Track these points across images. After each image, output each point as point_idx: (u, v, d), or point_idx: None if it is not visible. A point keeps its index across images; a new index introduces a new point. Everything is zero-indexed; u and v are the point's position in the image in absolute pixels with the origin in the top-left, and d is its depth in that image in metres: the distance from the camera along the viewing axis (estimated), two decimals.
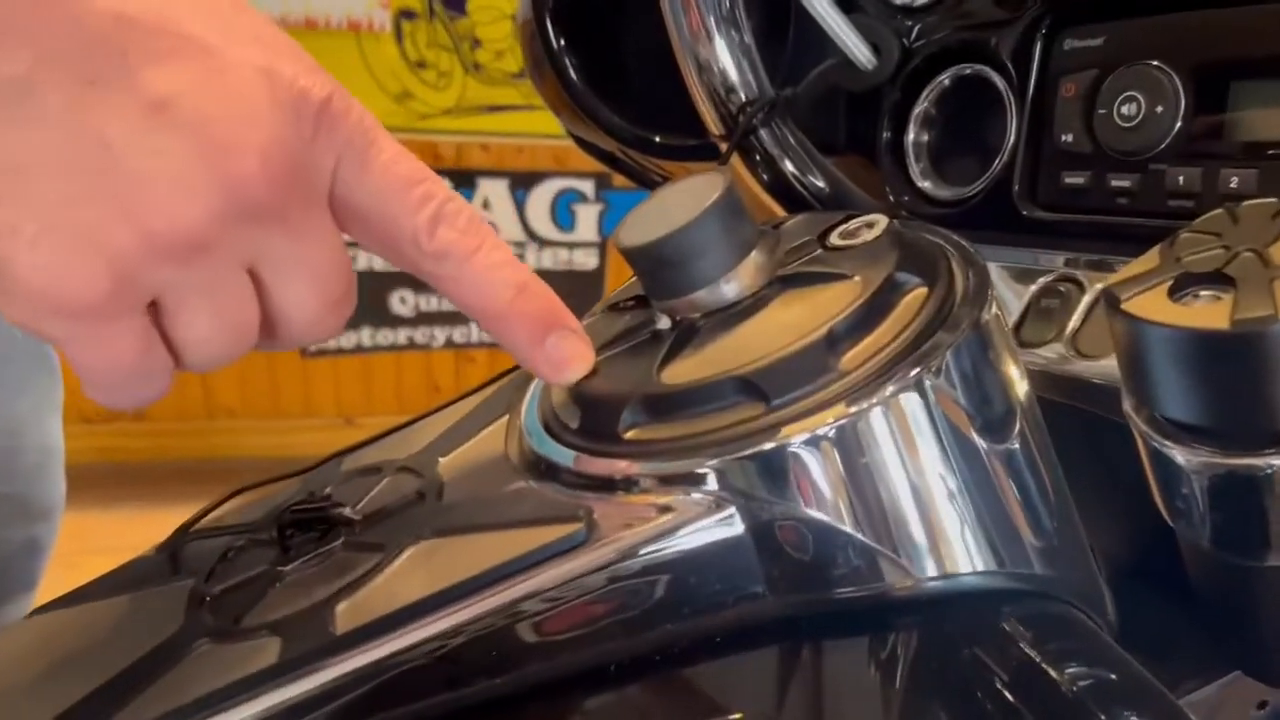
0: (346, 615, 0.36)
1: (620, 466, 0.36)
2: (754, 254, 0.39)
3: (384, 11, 2.38)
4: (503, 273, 0.37)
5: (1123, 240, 0.47)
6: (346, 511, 0.40)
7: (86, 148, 0.30)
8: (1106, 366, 0.46)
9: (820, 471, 0.35)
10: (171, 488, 2.21)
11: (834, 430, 0.35)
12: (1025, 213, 0.51)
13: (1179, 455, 0.37)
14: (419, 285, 2.55)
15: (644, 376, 0.37)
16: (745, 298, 0.39)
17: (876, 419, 0.35)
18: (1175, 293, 0.36)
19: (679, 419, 0.36)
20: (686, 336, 0.39)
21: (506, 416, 0.44)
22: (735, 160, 0.59)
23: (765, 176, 0.59)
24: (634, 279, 0.44)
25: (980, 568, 0.37)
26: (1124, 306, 0.36)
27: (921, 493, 0.36)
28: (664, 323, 0.40)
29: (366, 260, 2.49)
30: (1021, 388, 0.39)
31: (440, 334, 2.62)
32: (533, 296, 0.37)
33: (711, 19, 0.58)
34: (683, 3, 0.57)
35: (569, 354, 0.38)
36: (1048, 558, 0.39)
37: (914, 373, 0.35)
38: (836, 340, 0.36)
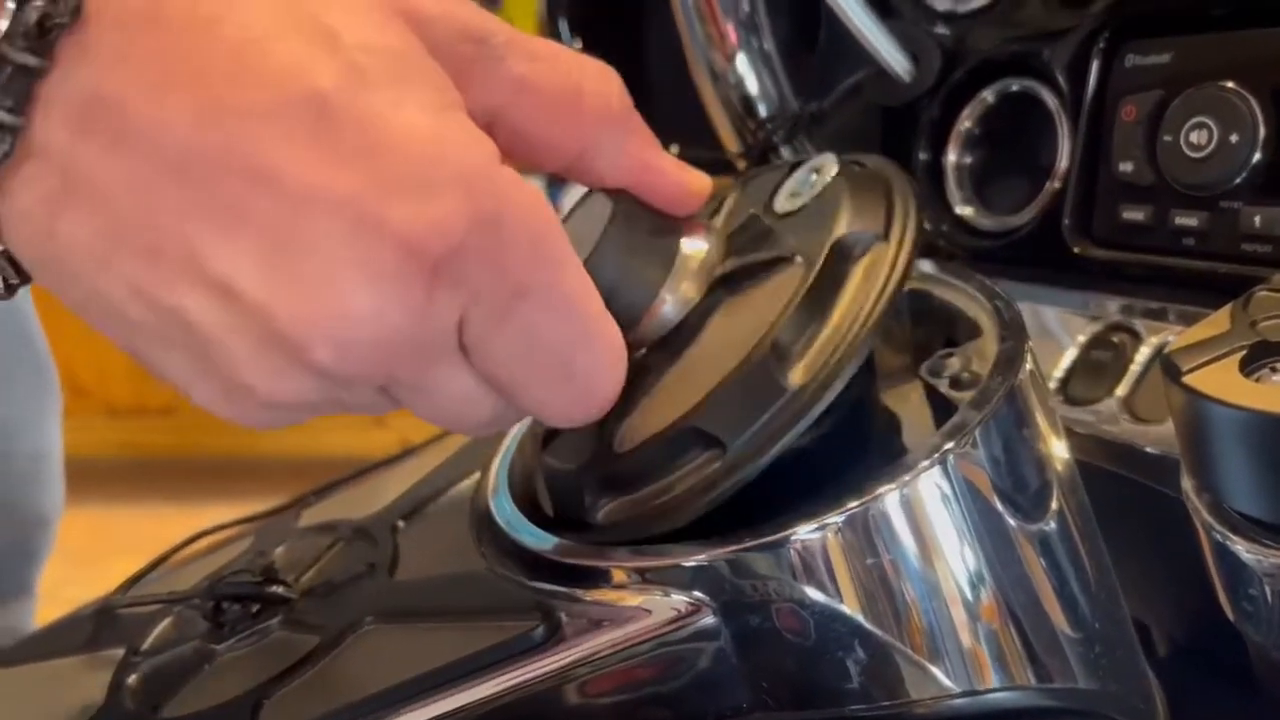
0: (271, 716, 0.31)
1: (585, 555, 0.31)
2: (681, 258, 0.32)
3: None
4: None
5: (1187, 287, 0.42)
6: (282, 590, 0.36)
7: (170, 323, 0.27)
8: (1165, 433, 0.40)
9: (827, 569, 0.30)
10: (199, 485, 2.20)
11: (843, 520, 0.30)
12: (1077, 250, 0.46)
13: (1247, 553, 0.32)
14: None
15: (598, 440, 0.32)
16: (687, 315, 0.32)
17: (894, 506, 0.30)
18: (1248, 365, 0.31)
19: (642, 488, 0.31)
20: (635, 379, 0.32)
21: (478, 474, 0.40)
22: None
23: None
24: None
25: (1013, 682, 0.32)
26: (1186, 379, 0.31)
27: (943, 593, 0.31)
28: None
29: None
30: (1060, 456, 0.34)
31: None
32: None
33: (729, 24, 0.52)
34: (696, 5, 0.52)
35: None
36: (1090, 666, 0.34)
37: (934, 455, 0.30)
38: (783, 352, 0.29)
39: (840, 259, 0.30)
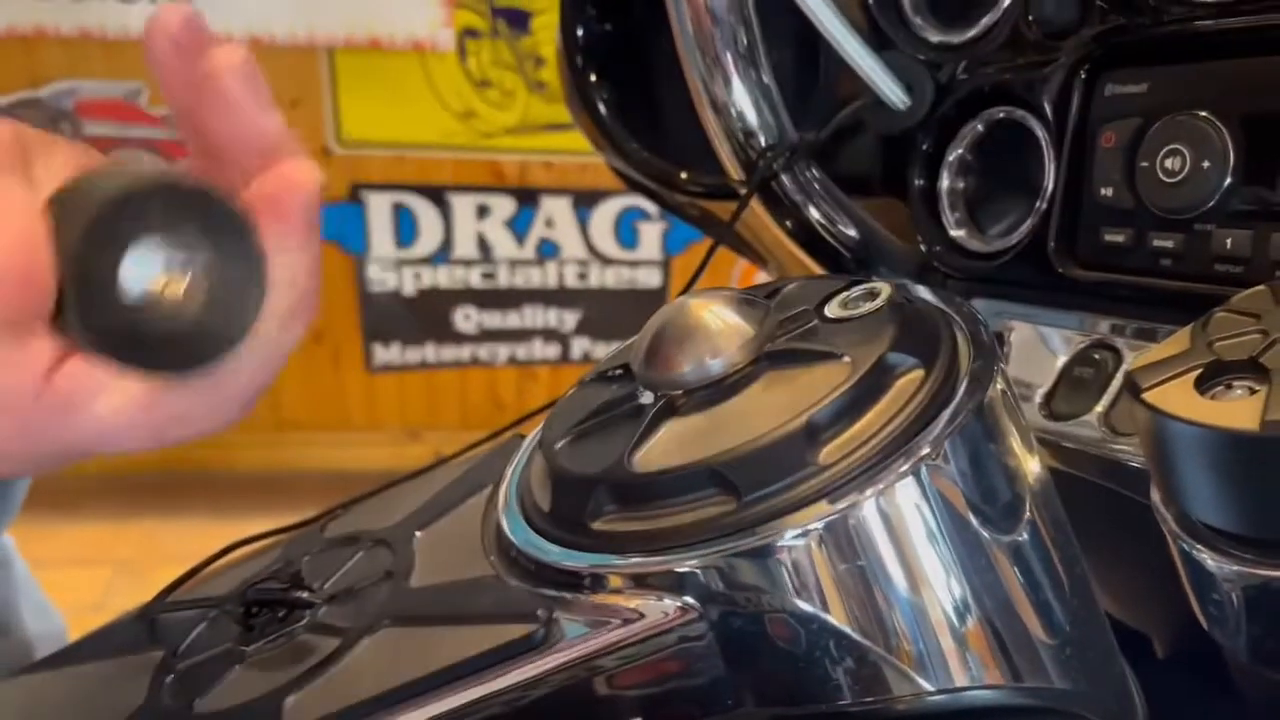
0: (294, 711, 0.34)
1: (585, 562, 0.34)
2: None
3: (448, 31, 2.37)
4: None
5: (1164, 305, 0.44)
6: (307, 595, 0.38)
7: None
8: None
9: (808, 575, 0.32)
10: (239, 499, 2.25)
11: (823, 527, 0.32)
12: (1061, 270, 0.47)
13: (1210, 561, 0.34)
14: (482, 302, 2.57)
15: (616, 458, 0.35)
16: (730, 374, 0.36)
17: (869, 514, 0.32)
18: (1203, 383, 0.32)
19: (649, 509, 0.34)
20: (664, 415, 0.36)
21: (490, 488, 0.42)
22: (756, 205, 0.56)
23: (788, 223, 0.56)
24: (626, 343, 0.41)
25: (989, 680, 0.34)
26: (1145, 397, 0.33)
27: (919, 598, 0.33)
28: (646, 397, 0.37)
29: (431, 277, 2.52)
30: (1032, 471, 0.36)
31: (504, 351, 2.63)
32: None
33: (728, 56, 0.54)
34: (696, 38, 0.54)
35: None
36: (1064, 667, 0.36)
37: (906, 465, 0.32)
38: (816, 431, 0.33)
39: (882, 371, 0.34)
